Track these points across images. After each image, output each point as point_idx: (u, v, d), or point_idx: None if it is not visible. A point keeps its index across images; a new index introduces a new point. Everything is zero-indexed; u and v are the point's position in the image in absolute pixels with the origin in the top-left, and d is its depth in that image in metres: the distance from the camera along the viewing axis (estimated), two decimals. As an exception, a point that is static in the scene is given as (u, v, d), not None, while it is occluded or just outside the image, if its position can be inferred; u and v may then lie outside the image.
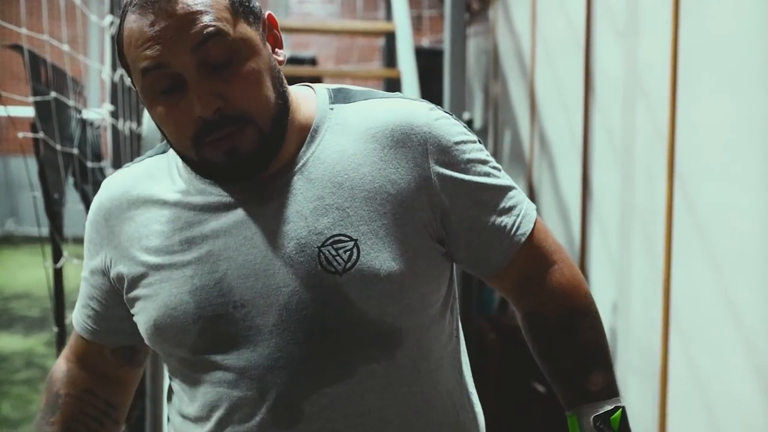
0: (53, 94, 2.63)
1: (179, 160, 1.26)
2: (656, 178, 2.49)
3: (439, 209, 1.22)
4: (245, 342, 1.18)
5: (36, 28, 2.68)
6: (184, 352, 1.22)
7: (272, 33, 1.22)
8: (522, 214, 1.27)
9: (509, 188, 1.27)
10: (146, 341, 1.27)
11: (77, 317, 1.38)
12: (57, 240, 2.64)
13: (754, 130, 2.02)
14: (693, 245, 2.30)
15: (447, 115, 1.26)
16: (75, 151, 2.81)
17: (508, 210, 1.26)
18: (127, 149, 3.08)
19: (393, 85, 5.15)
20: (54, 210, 2.62)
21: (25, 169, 2.59)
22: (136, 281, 1.25)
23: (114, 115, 2.98)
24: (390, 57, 5.34)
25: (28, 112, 2.56)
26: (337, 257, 1.17)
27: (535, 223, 1.28)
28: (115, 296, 1.30)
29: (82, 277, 1.36)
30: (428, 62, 5.39)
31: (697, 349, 2.29)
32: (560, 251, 1.32)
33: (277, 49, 1.22)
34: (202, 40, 1.12)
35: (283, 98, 1.19)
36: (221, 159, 1.15)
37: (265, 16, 1.21)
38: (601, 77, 3.19)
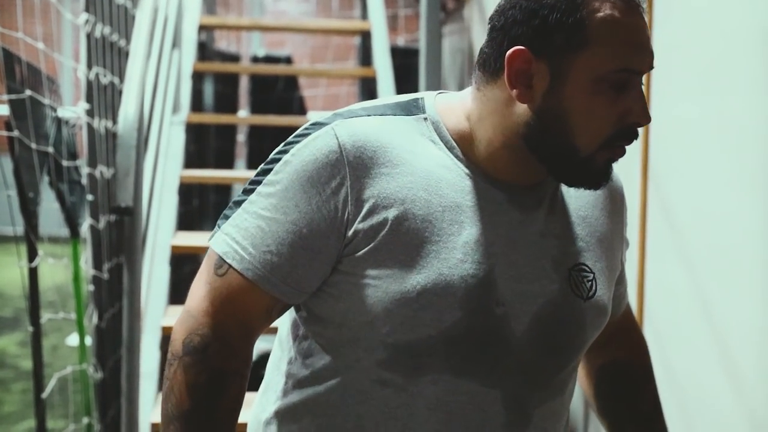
0: (28, 92, 2.62)
1: (442, 134, 1.21)
2: (631, 178, 2.51)
3: (621, 264, 1.37)
4: (498, 341, 1.18)
5: (10, 25, 2.66)
6: (432, 332, 1.15)
7: None
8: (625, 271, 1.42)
9: None
10: (376, 311, 1.15)
11: (257, 266, 1.16)
12: (32, 239, 2.63)
13: (729, 130, 2.05)
14: (667, 244, 2.33)
15: None
16: (50, 149, 2.79)
17: (623, 265, 1.40)
18: (103, 148, 3.07)
19: (368, 84, 5.16)
20: (29, 209, 2.61)
21: (0, 167, 2.58)
22: (392, 245, 1.15)
23: (89, 113, 2.96)
24: (365, 56, 5.35)
25: (3, 110, 2.55)
26: (583, 284, 1.24)
27: None
28: (333, 251, 1.16)
29: (270, 220, 1.16)
30: (404, 61, 5.40)
31: (671, 346, 2.31)
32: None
33: None
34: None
35: None
36: (601, 166, 1.18)
37: None
38: (575, 77, 3.20)
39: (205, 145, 5.84)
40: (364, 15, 5.41)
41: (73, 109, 3.30)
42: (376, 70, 4.78)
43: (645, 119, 1.16)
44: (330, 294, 1.19)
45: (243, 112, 7.32)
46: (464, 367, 1.17)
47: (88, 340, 3.11)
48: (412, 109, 1.23)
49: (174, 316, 3.41)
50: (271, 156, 1.20)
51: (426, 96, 1.26)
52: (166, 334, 3.36)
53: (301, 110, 6.80)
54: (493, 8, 1.21)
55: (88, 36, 2.95)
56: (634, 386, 1.43)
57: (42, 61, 2.82)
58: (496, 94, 1.18)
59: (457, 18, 5.66)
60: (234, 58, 7.19)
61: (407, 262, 1.15)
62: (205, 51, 5.92)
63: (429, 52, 4.30)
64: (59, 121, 2.98)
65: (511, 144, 1.18)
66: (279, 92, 6.43)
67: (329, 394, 1.21)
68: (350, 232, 1.15)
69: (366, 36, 5.25)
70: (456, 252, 1.16)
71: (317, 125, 1.19)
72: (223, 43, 7.57)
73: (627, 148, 1.19)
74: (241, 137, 7.39)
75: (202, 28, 5.16)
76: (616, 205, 1.34)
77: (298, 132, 1.21)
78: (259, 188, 1.19)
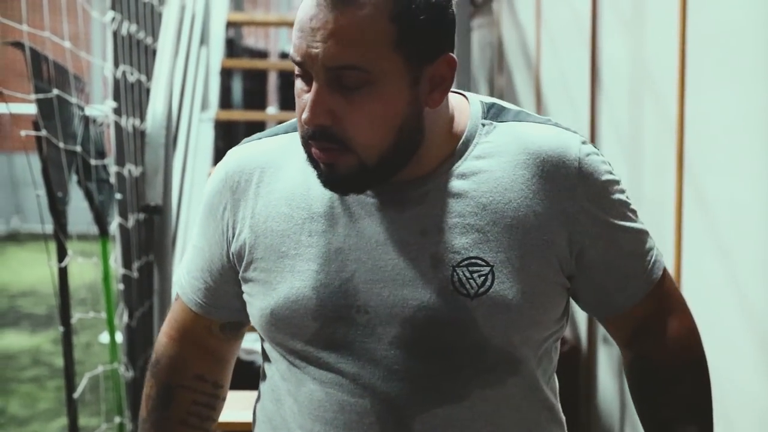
0: (55, 91, 2.61)
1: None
2: (665, 171, 2.47)
3: (578, 247, 1.19)
4: (363, 349, 1.15)
5: (37, 25, 2.66)
6: (298, 345, 1.18)
7: (440, 75, 1.13)
8: (653, 260, 1.26)
9: (644, 233, 1.26)
10: (256, 326, 1.23)
11: (186, 289, 1.31)
12: (61, 238, 2.63)
13: (764, 122, 2.01)
14: (703, 238, 2.29)
15: (596, 151, 1.22)
16: (78, 148, 2.79)
17: (641, 255, 1.25)
18: (131, 146, 3.06)
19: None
20: (58, 208, 2.61)
21: (29, 166, 2.58)
22: (255, 263, 1.20)
23: (117, 111, 2.96)
24: (394, 50, 5.31)
25: (30, 109, 2.55)
26: (471, 280, 1.14)
27: (663, 271, 1.27)
28: (230, 272, 1.26)
29: (193, 247, 1.31)
30: (432, 55, 5.36)
31: (707, 340, 2.27)
32: (683, 303, 1.31)
33: (434, 92, 1.14)
34: (337, 67, 1.08)
35: (408, 140, 1.13)
36: (321, 166, 1.14)
37: (442, 57, 1.13)
38: (607, 69, 3.17)
39: (234, 142, 5.83)
40: (392, 9, 5.37)
41: (100, 108, 3.30)
42: (404, 64, 4.74)
43: (305, 120, 1.10)
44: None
45: (272, 109, 7.32)
46: (330, 378, 1.16)
47: (119, 339, 3.11)
48: None
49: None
50: None
51: None
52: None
53: (330, 106, 6.77)
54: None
55: (115, 34, 2.95)
56: (658, 387, 1.29)
57: (69, 60, 2.82)
58: None
59: (485, 11, 5.61)
60: (262, 55, 7.20)
61: (267, 278, 1.20)
62: (233, 47, 5.92)
63: (458, 46, 4.26)
64: (87, 120, 2.98)
65: None
66: (308, 88, 6.41)
67: (265, 386, 1.28)
68: (231, 253, 1.24)
69: (394, 30, 5.20)
70: (311, 263, 1.17)
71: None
72: (251, 39, 7.58)
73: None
74: (270, 134, 7.38)
75: (230, 24, 5.16)
76: (556, 182, 1.18)
77: None
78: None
